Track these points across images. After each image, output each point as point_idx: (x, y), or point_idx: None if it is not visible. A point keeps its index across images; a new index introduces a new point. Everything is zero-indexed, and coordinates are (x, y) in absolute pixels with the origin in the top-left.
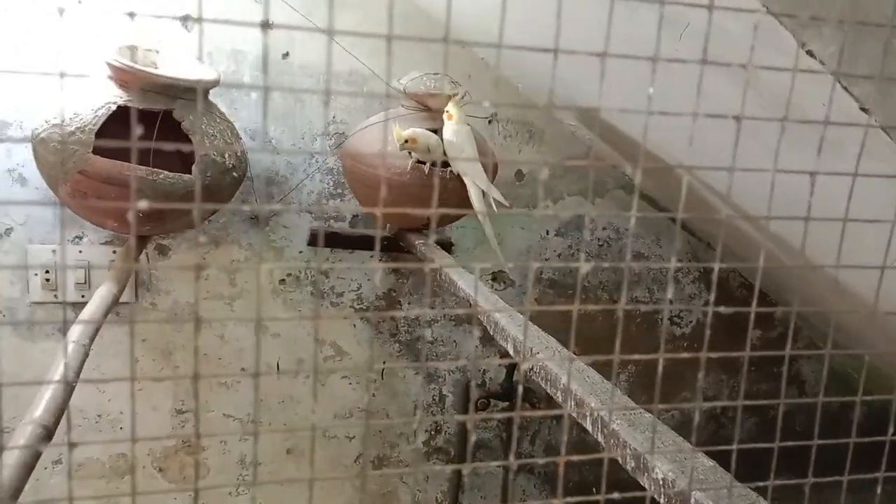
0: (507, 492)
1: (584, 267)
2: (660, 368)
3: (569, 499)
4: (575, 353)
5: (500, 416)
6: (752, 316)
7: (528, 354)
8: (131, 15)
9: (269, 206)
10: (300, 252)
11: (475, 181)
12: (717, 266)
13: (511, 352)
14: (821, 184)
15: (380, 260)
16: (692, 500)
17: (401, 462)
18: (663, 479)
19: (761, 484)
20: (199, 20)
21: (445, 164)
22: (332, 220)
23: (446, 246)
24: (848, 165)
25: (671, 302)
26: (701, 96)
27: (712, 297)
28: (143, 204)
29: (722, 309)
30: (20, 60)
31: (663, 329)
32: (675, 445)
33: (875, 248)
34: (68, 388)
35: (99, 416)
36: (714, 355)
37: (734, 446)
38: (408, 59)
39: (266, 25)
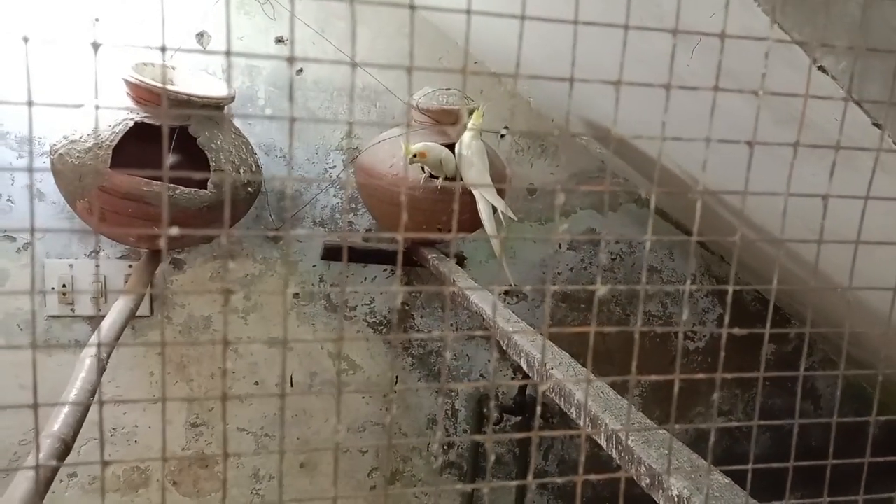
0: None
1: (601, 290)
2: (675, 390)
3: None
4: (587, 368)
5: (519, 435)
6: (766, 337)
7: (545, 375)
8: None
9: (307, 232)
10: (314, 266)
11: (485, 195)
12: (730, 289)
13: (525, 366)
14: (834, 197)
15: (392, 274)
16: None
17: (413, 476)
18: (678, 497)
19: None
20: (228, 52)
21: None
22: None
23: (458, 259)
24: (861, 178)
25: (693, 325)
26: (714, 109)
27: (727, 319)
28: (174, 230)
29: (736, 330)
30: (39, 75)
31: (679, 349)
32: (691, 463)
33: (888, 260)
34: (87, 402)
35: (114, 428)
36: (729, 376)
37: (749, 465)
38: (420, 74)
39: (291, 59)
